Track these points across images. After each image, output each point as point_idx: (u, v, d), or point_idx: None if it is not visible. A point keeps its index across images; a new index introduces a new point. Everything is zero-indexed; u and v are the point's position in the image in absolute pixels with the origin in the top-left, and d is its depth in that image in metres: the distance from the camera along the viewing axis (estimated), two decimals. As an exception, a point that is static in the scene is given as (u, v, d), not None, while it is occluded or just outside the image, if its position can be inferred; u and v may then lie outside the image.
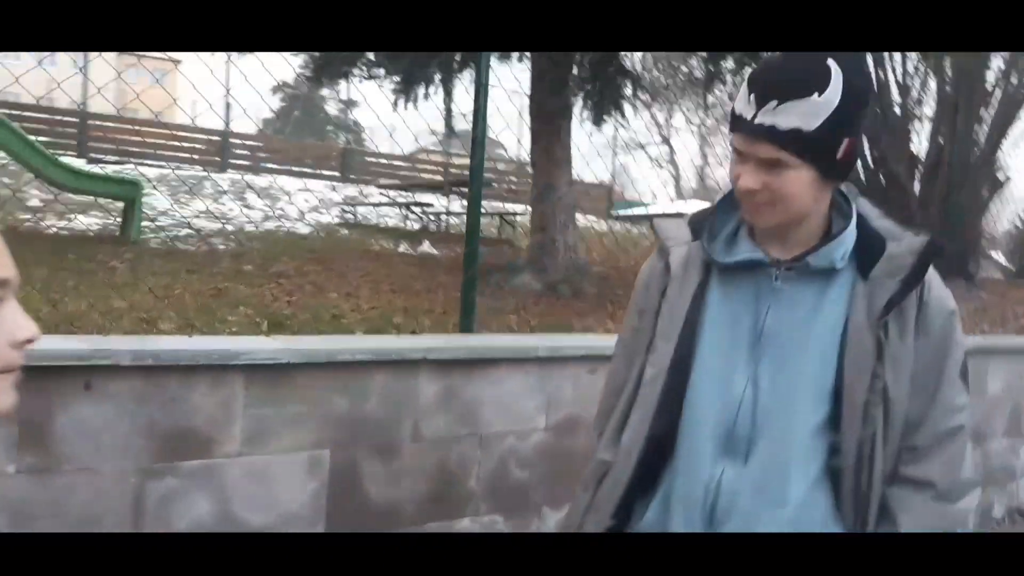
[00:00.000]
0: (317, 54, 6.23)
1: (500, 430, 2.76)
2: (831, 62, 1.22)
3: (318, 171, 16.35)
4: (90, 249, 5.26)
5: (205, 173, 13.05)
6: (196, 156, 15.63)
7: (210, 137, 16.35)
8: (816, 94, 1.21)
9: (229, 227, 7.92)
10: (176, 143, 15.78)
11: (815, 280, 1.33)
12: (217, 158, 16.08)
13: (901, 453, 1.31)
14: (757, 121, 1.23)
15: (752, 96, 1.24)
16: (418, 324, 3.48)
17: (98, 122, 14.41)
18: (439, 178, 11.36)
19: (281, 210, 10.80)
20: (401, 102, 6.33)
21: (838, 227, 1.33)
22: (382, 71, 6.10)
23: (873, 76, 1.70)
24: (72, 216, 6.97)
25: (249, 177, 13.93)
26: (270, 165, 15.89)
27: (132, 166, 11.18)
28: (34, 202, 7.59)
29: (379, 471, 2.54)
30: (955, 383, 1.33)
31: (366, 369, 2.44)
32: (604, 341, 3.03)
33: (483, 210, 2.92)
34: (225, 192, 11.31)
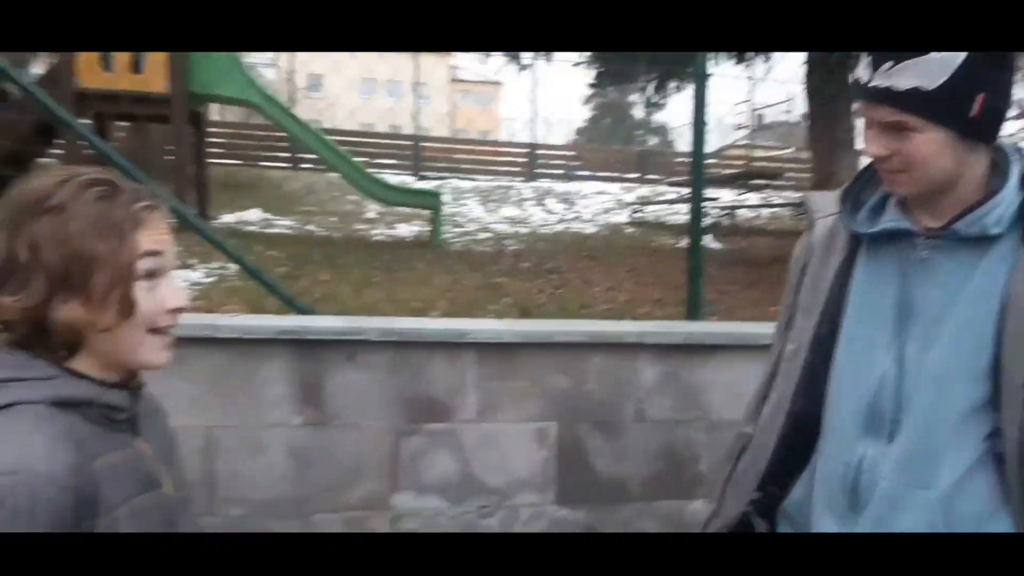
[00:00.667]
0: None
1: (730, 417, 2.74)
2: None
3: (619, 174, 16.99)
4: (404, 252, 6.12)
5: (511, 184, 14.32)
6: (511, 168, 17.26)
7: (520, 150, 17.84)
8: (934, 51, 1.12)
9: (524, 230, 8.60)
10: (493, 158, 17.56)
11: (968, 249, 1.21)
12: (526, 169, 17.52)
13: None
14: (873, 84, 1.17)
15: (870, 58, 1.18)
16: (664, 313, 3.54)
17: (430, 144, 16.52)
18: (732, 172, 11.06)
19: (576, 213, 11.42)
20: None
21: (993, 191, 1.20)
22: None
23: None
24: (396, 225, 8.15)
25: (553, 184, 15.01)
26: (581, 172, 16.97)
27: (439, 181, 12.64)
28: (371, 215, 8.99)
29: (604, 447, 2.69)
30: None
31: (583, 351, 2.61)
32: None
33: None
34: (528, 199, 12.25)
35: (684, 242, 8.23)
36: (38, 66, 6.95)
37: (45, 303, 0.95)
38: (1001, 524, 1.19)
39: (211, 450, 2.42)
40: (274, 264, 4.91)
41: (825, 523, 1.29)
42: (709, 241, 7.88)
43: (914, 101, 1.14)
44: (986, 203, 1.20)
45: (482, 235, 7.93)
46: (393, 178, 12.61)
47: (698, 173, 2.75)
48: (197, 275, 4.72)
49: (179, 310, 1.03)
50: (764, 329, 2.77)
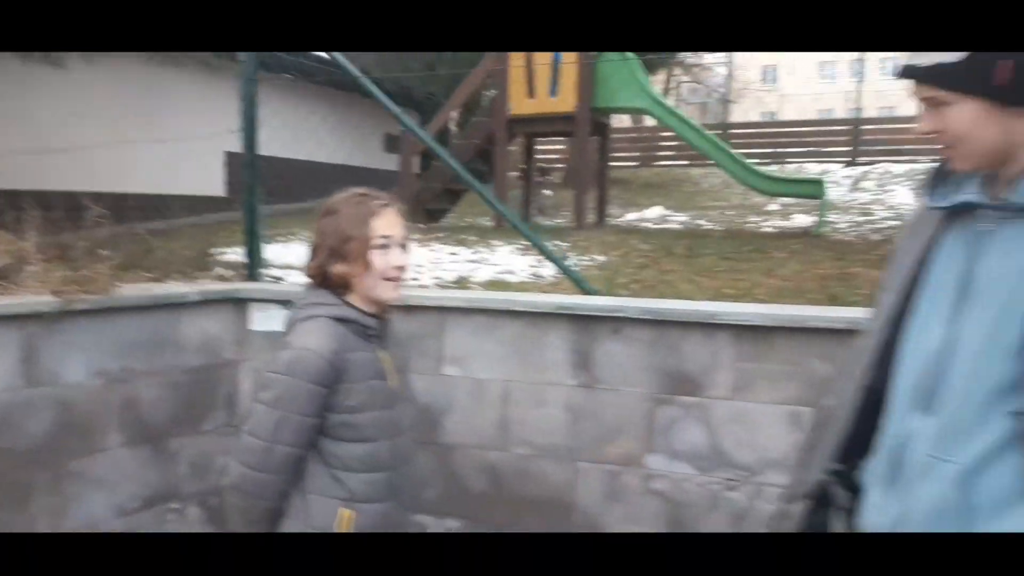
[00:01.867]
0: None
1: None
2: None
3: None
4: (773, 242, 6.09)
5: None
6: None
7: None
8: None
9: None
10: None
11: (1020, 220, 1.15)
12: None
13: None
14: (906, 64, 1.23)
15: None
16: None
17: (868, 126, 15.22)
18: None
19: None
20: None
21: None
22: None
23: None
24: (793, 216, 7.98)
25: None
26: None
27: (868, 167, 11.60)
28: (773, 207, 8.93)
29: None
30: None
31: (840, 336, 2.55)
32: None
33: None
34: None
35: None
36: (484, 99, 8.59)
37: (326, 263, 1.71)
38: (1019, 515, 1.11)
39: (506, 400, 3.04)
40: (636, 255, 5.44)
41: (873, 495, 1.33)
42: None
43: (939, 75, 1.18)
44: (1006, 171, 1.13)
45: (888, 222, 7.30)
46: (826, 167, 12.17)
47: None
48: (586, 262, 5.48)
49: (401, 267, 1.72)
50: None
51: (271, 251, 4.09)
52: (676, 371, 2.80)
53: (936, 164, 1.34)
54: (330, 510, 1.68)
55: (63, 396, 2.82)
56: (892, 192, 9.93)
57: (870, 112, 15.39)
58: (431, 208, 7.95)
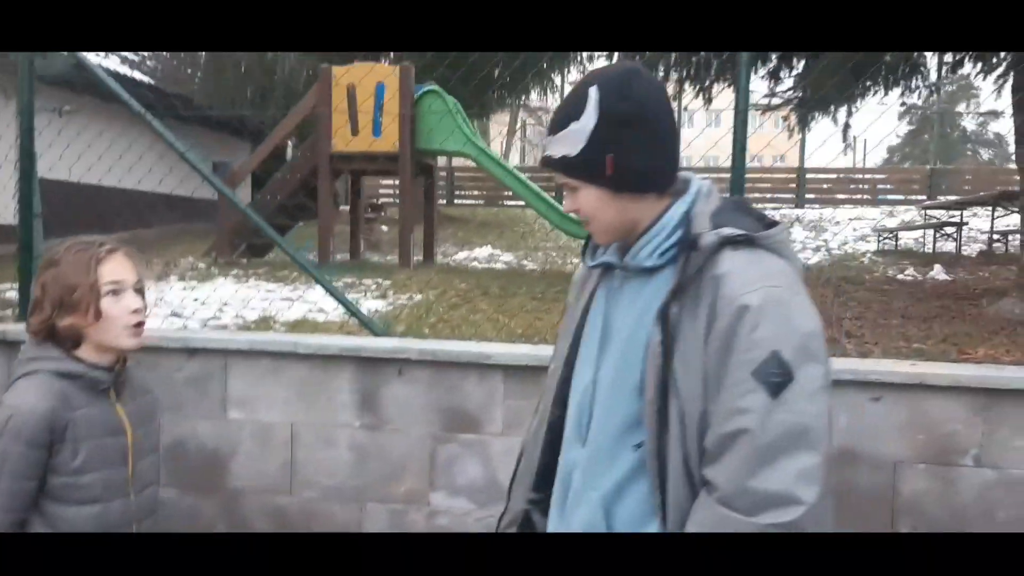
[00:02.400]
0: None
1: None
2: (592, 88, 1.32)
3: (903, 196, 15.42)
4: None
5: (776, 209, 13.81)
6: (781, 194, 16.60)
7: (785, 175, 17.07)
8: (573, 122, 1.33)
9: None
10: (762, 183, 17.08)
11: (642, 280, 1.37)
12: (796, 194, 16.68)
13: (703, 452, 1.25)
14: (546, 154, 1.41)
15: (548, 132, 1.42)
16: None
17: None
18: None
19: (823, 241, 10.73)
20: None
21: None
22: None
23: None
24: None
25: (822, 210, 14.18)
26: (844, 196, 15.78)
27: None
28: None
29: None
30: (742, 383, 1.20)
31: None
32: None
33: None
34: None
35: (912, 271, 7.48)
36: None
37: (51, 317, 1.64)
38: (652, 528, 1.31)
39: (293, 441, 3.05)
40: (453, 294, 5.61)
41: (552, 518, 1.50)
42: (938, 272, 7.04)
43: (565, 166, 1.36)
44: (642, 238, 1.35)
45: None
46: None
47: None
48: (402, 301, 5.55)
49: (138, 311, 1.68)
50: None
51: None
52: (456, 409, 2.95)
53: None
54: None
55: None
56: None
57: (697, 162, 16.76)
58: (255, 243, 7.77)
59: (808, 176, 16.83)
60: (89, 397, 1.66)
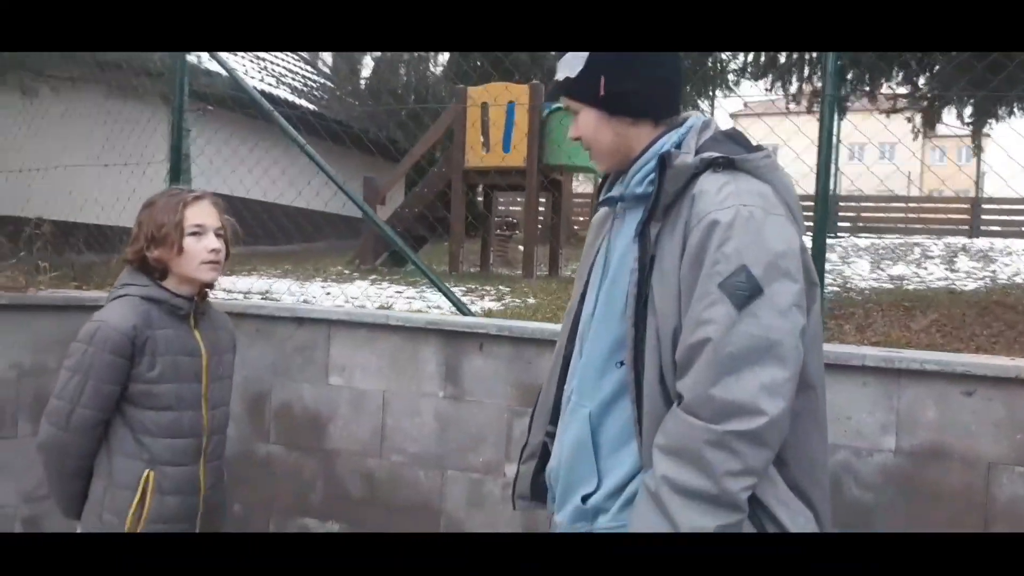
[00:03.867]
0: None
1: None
2: None
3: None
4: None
5: (938, 240, 12.85)
6: (948, 225, 15.42)
7: (958, 205, 15.80)
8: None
9: (889, 286, 7.90)
10: (930, 215, 15.98)
11: (637, 208, 1.44)
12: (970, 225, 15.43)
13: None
14: (555, 77, 1.52)
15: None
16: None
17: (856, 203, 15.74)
18: None
19: (993, 271, 9.84)
20: None
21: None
22: None
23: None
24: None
25: (995, 241, 13.04)
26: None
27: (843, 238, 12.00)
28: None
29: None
30: (706, 295, 1.24)
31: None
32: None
33: None
34: (934, 256, 10.92)
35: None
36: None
37: (143, 249, 1.93)
38: (632, 446, 1.37)
39: (384, 407, 3.28)
40: (567, 298, 5.72)
41: (558, 441, 1.58)
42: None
43: (566, 88, 1.47)
44: (633, 166, 1.43)
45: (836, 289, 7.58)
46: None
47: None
48: (516, 303, 5.74)
49: (215, 251, 1.94)
50: (876, 353, 2.59)
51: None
52: (532, 385, 3.05)
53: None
54: (133, 470, 1.87)
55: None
56: (852, 263, 10.23)
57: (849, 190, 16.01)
58: (396, 251, 8.24)
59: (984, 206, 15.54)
60: (170, 320, 1.93)
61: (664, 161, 1.35)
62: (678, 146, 1.40)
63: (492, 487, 3.10)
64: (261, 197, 5.55)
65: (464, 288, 6.23)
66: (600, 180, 1.64)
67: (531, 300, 5.77)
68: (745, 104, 7.33)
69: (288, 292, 5.11)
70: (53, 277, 3.71)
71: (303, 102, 11.93)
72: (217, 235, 1.96)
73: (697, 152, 1.37)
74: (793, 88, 7.21)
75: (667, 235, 1.34)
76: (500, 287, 6.60)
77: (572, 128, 1.51)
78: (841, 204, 15.55)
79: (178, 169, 3.80)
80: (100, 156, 4.55)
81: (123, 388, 1.87)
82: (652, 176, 1.40)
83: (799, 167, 2.64)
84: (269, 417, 3.42)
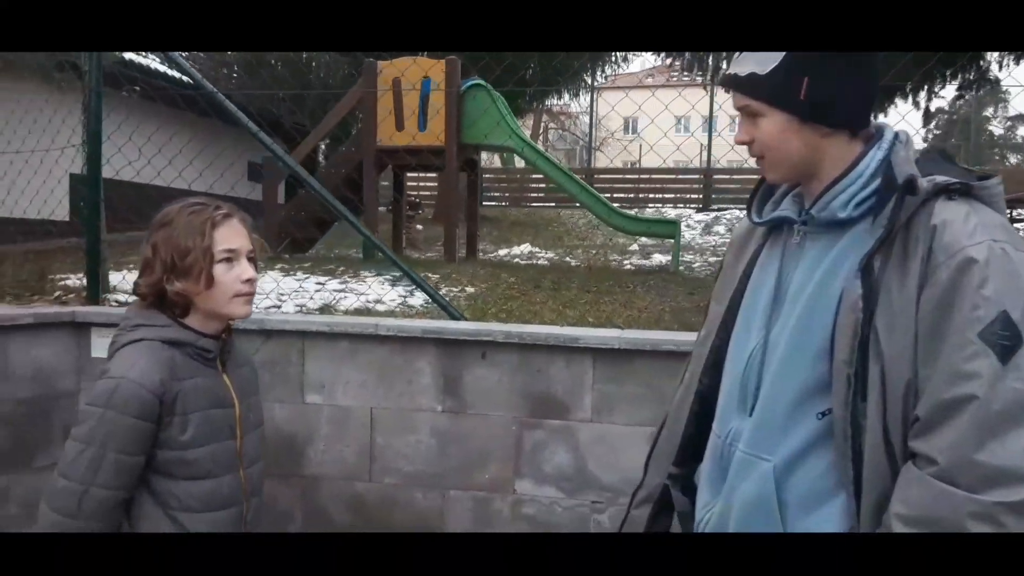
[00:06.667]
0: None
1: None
2: None
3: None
4: (630, 278, 6.35)
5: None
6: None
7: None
8: None
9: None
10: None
11: (830, 235, 1.25)
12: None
13: (912, 422, 1.13)
14: (730, 71, 1.29)
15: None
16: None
17: (720, 175, 16.32)
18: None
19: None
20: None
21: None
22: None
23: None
24: (652, 255, 8.39)
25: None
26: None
27: (719, 212, 12.46)
28: (634, 247, 9.34)
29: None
30: (965, 345, 1.08)
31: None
32: None
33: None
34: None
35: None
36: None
37: (161, 281, 1.53)
38: (834, 505, 1.20)
39: (373, 425, 2.97)
40: (504, 287, 5.52)
41: (703, 495, 1.38)
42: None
43: (752, 85, 1.25)
44: (835, 187, 1.24)
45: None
46: (681, 211, 13.03)
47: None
48: (455, 293, 5.48)
49: (251, 280, 1.56)
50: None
51: (119, 279, 3.83)
52: (542, 395, 2.85)
53: (759, 183, 1.45)
54: None
55: None
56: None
57: (721, 163, 16.57)
58: (297, 238, 7.72)
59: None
60: (197, 367, 1.55)
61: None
62: (888, 164, 1.22)
63: (501, 505, 2.88)
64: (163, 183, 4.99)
65: (391, 277, 5.89)
66: (751, 194, 1.44)
67: (469, 289, 5.53)
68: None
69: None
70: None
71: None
72: (249, 259, 1.58)
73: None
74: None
75: (894, 270, 1.16)
76: (427, 274, 6.30)
77: (743, 131, 1.30)
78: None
79: (97, 156, 3.28)
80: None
81: (149, 458, 1.49)
82: (860, 200, 1.21)
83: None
84: (234, 443, 3.01)
